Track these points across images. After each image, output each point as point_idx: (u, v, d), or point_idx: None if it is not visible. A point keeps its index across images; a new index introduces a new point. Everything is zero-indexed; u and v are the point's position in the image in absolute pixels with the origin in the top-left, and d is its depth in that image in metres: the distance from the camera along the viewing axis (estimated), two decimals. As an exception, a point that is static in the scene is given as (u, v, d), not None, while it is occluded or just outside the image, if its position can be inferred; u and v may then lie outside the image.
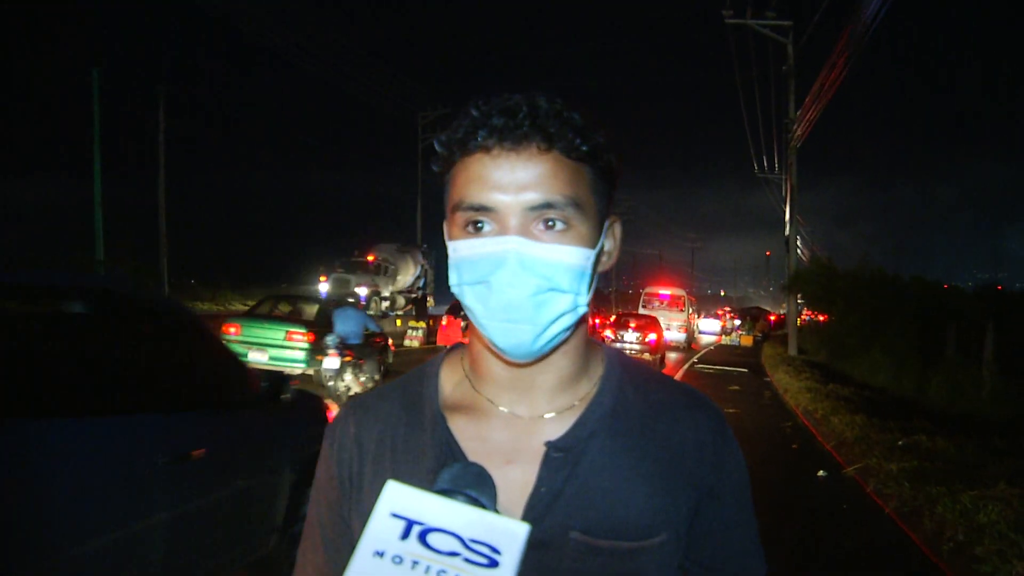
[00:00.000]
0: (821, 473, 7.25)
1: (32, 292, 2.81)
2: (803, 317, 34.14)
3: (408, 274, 28.77)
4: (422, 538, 0.66)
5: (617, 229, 0.91)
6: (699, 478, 0.89)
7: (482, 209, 0.79)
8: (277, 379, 3.82)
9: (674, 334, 28.53)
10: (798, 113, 21.02)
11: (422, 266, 29.80)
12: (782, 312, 39.58)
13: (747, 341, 32.94)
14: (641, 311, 28.46)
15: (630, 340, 19.90)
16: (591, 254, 0.83)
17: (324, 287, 25.90)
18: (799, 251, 26.94)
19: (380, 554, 0.65)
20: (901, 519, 5.62)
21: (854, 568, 4.83)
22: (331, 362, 9.63)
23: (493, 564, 0.65)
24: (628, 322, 21.00)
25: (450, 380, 0.95)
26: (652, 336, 20.20)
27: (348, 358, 9.93)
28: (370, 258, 27.21)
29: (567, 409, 0.89)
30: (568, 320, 0.82)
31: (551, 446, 0.86)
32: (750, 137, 27.54)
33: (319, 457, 0.97)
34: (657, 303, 31.00)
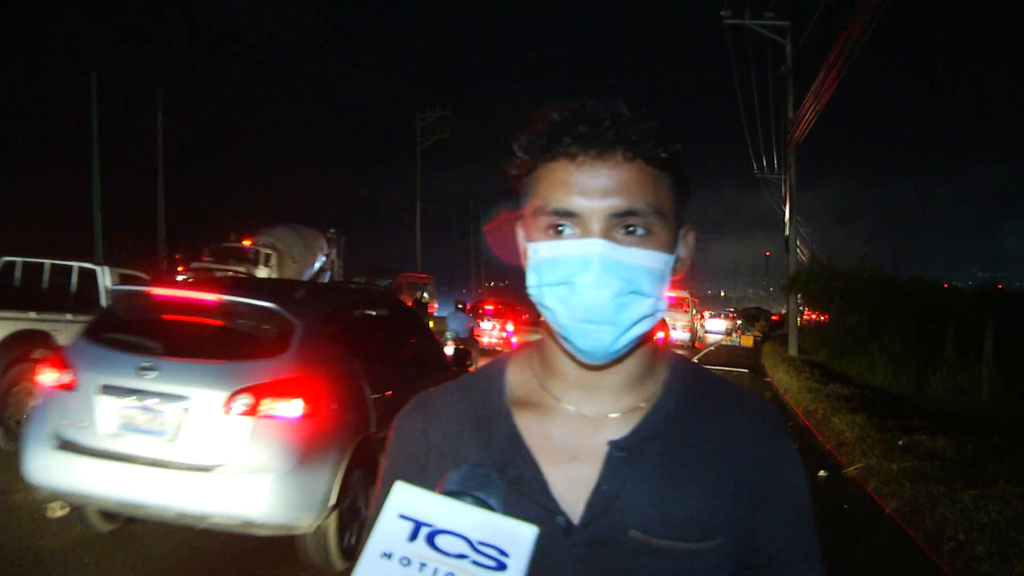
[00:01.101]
0: (822, 473, 7.24)
1: (368, 300, 5.38)
2: (804, 318, 34.18)
3: (305, 264, 22.14)
4: (430, 540, 0.66)
5: (691, 238, 0.92)
6: (755, 484, 0.88)
7: (566, 214, 0.80)
8: (463, 354, 5.96)
9: (679, 334, 29.41)
10: (797, 113, 21.03)
11: (326, 256, 23.54)
12: (783, 312, 39.58)
13: (747, 341, 33.01)
14: None
15: None
16: (670, 259, 0.84)
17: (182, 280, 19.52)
18: (799, 251, 26.94)
19: (388, 555, 0.65)
20: (902, 519, 5.62)
21: (855, 568, 4.84)
22: (449, 350, 11.91)
23: (501, 567, 0.65)
24: None
25: (517, 378, 0.95)
26: (660, 335, 20.93)
27: (460, 347, 11.93)
28: (246, 243, 20.82)
29: (631, 410, 0.90)
30: (647, 323, 0.84)
31: (614, 445, 0.87)
32: (749, 137, 27.63)
33: (385, 451, 0.96)
34: None
